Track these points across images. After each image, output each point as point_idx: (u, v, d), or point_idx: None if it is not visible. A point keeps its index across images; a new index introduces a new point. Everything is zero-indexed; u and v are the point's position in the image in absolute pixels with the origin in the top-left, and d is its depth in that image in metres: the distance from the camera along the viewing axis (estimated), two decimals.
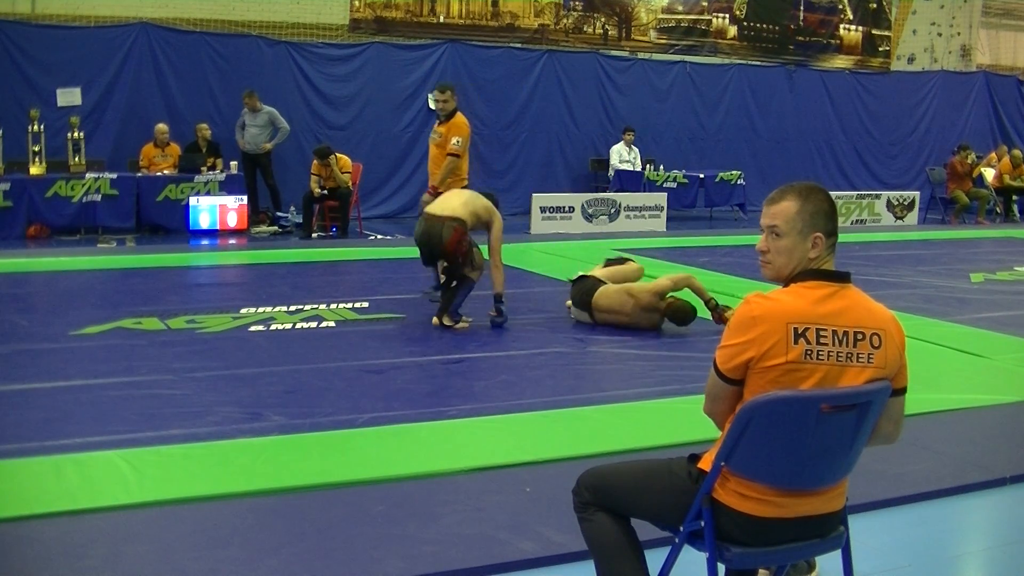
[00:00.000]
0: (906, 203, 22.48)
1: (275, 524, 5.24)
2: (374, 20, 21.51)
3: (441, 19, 22.14)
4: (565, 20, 23.35)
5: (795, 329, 3.44)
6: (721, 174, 22.14)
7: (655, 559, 3.83)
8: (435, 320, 10.16)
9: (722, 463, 3.52)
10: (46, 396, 7.46)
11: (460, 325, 10.06)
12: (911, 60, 28.14)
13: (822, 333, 3.46)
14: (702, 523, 3.57)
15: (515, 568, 4.84)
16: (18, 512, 5.26)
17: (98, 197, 16.61)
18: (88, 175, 16.53)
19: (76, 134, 16.87)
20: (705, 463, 3.64)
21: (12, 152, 16.48)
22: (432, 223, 9.74)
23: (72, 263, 13.64)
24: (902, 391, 3.65)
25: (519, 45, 22.64)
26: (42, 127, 16.62)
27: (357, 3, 21.34)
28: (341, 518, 5.31)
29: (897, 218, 22.27)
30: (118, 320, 9.81)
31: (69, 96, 17.96)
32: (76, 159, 16.87)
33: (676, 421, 6.83)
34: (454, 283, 10.19)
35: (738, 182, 22.13)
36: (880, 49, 27.42)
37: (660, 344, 9.49)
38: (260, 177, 18.42)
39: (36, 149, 16.67)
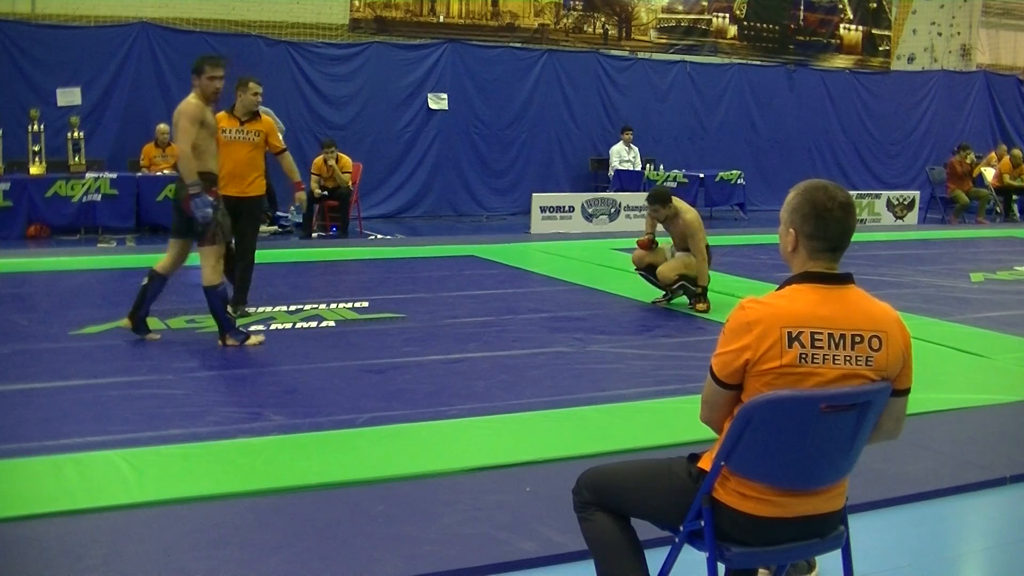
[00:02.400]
0: (906, 203, 22.48)
1: (275, 524, 5.24)
2: (374, 20, 21.51)
3: (441, 19, 22.12)
4: (565, 20, 23.34)
5: (789, 333, 3.43)
6: (721, 174, 22.15)
7: (655, 559, 3.82)
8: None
9: (722, 463, 3.52)
10: (46, 396, 7.46)
11: (252, 342, 9.25)
12: (911, 60, 28.14)
13: (817, 336, 3.45)
14: (702, 523, 3.56)
15: (515, 568, 4.84)
16: (18, 512, 5.26)
17: (98, 197, 16.63)
18: (88, 175, 16.55)
19: (76, 134, 16.88)
20: (705, 463, 3.64)
21: (12, 152, 16.49)
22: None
23: (72, 263, 13.63)
24: (905, 392, 3.64)
25: (519, 45, 22.63)
26: (42, 127, 16.63)
27: (357, 3, 21.34)
28: (341, 518, 5.31)
29: (897, 218, 22.28)
30: (118, 320, 9.79)
31: (69, 96, 17.96)
32: (76, 159, 16.88)
33: (676, 421, 6.84)
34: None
35: (738, 182, 22.14)
36: (880, 49, 27.42)
37: (660, 344, 9.49)
38: None
39: (36, 149, 16.68)
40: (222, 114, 10.21)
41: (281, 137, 18.04)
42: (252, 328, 9.75)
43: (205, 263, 8.93)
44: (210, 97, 9.10)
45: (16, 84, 17.55)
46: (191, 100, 8.97)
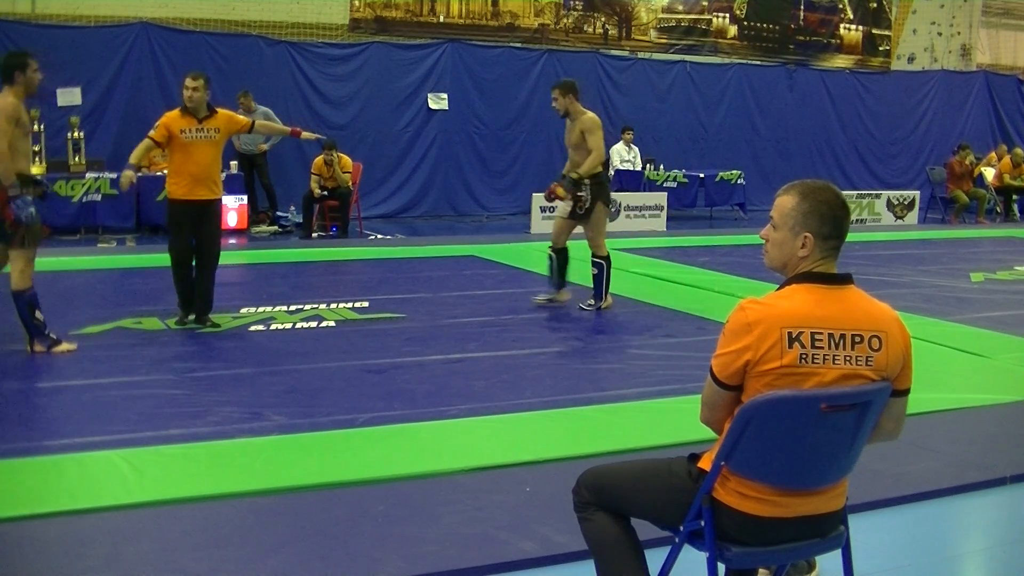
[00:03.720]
0: (906, 203, 22.48)
1: (275, 524, 5.24)
2: (374, 20, 21.50)
3: (441, 19, 22.12)
4: (565, 20, 23.34)
5: (789, 333, 3.43)
6: (721, 173, 22.16)
7: (655, 559, 3.82)
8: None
9: (722, 463, 3.52)
10: (46, 396, 7.49)
11: (60, 348, 8.85)
12: (911, 60, 28.14)
13: (817, 336, 3.45)
14: (702, 523, 3.57)
15: (515, 568, 4.84)
16: (19, 512, 5.26)
17: (98, 197, 16.64)
18: (88, 175, 16.56)
19: (76, 134, 16.90)
20: (705, 463, 3.64)
21: None
22: None
23: (72, 263, 13.63)
24: (905, 392, 3.64)
25: (519, 45, 22.63)
26: (42, 127, 16.63)
27: (357, 3, 21.33)
28: (341, 518, 5.32)
29: (897, 218, 22.28)
30: (118, 320, 9.82)
31: (69, 96, 17.94)
32: (76, 159, 16.90)
33: (676, 421, 6.84)
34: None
35: (738, 182, 22.15)
36: (880, 49, 27.41)
37: (660, 344, 9.49)
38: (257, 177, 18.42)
39: (36, 149, 16.66)
40: (174, 114, 9.86)
41: (278, 139, 18.10)
42: (252, 328, 9.76)
43: (14, 267, 8.62)
44: (33, 92, 8.70)
45: None
46: (9, 98, 8.38)
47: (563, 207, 11.15)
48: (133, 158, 9.83)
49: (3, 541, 4.98)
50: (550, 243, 11.34)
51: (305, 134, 11.17)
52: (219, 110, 10.03)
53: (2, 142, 8.25)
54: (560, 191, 10.96)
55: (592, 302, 10.99)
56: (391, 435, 6.69)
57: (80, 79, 18.11)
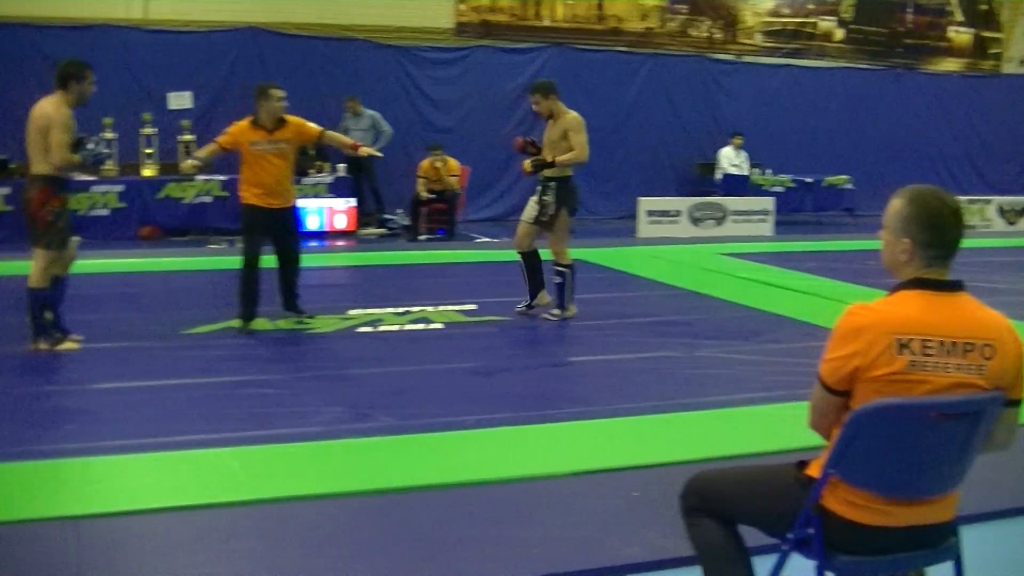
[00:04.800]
0: (1018, 209, 22.10)
1: (381, 524, 5.30)
2: (480, 23, 21.56)
3: (546, 22, 22.12)
4: (670, 23, 23.24)
5: (899, 340, 3.39)
6: (829, 178, 21.91)
7: (762, 566, 3.80)
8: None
9: (831, 470, 3.49)
10: (157, 393, 7.62)
11: (65, 346, 9.01)
12: (1023, 63, 27.62)
13: (928, 344, 3.40)
14: (810, 530, 3.54)
15: (620, 572, 4.84)
16: (133, 507, 5.39)
17: (209, 199, 16.92)
18: (198, 177, 16.72)
19: (187, 137, 17.15)
20: (813, 469, 3.61)
21: (126, 155, 16.77)
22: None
23: (182, 263, 13.88)
24: (1018, 402, 3.58)
25: (624, 48, 22.56)
26: (155, 130, 16.93)
27: (463, 6, 21.41)
28: (446, 519, 5.35)
29: (1009, 223, 21.90)
30: (228, 320, 9.95)
31: (180, 100, 18.23)
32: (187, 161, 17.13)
33: (783, 427, 6.77)
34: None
35: (846, 186, 21.90)
36: (990, 52, 26.93)
37: (767, 350, 9.41)
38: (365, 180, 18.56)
39: (149, 152, 16.99)
40: (244, 125, 9.95)
41: (386, 137, 18.24)
42: (360, 329, 9.85)
43: (36, 265, 8.75)
44: (84, 103, 8.79)
45: (129, 88, 17.78)
46: (63, 108, 8.52)
47: (529, 211, 10.73)
48: (201, 152, 10.21)
49: (118, 536, 5.09)
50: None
51: (363, 149, 11.07)
52: (289, 119, 10.01)
53: (64, 151, 8.46)
54: (527, 166, 10.67)
55: (557, 312, 10.65)
56: (497, 438, 6.73)
57: (191, 83, 18.39)
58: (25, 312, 8.91)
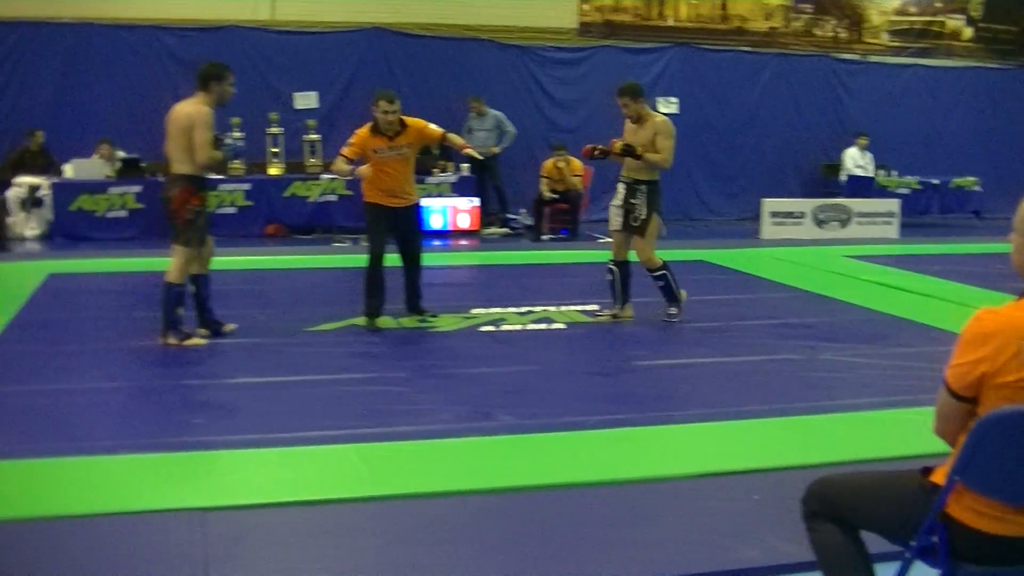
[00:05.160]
0: None
1: (502, 523, 5.33)
2: (603, 23, 21.53)
3: (670, 22, 22.03)
4: (795, 22, 23.01)
5: None
6: (956, 180, 21.52)
7: (884, 573, 3.77)
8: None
9: (956, 477, 3.44)
10: (282, 389, 7.73)
11: (192, 342, 9.20)
12: None
13: None
14: (934, 539, 3.49)
15: None
16: (255, 501, 5.50)
17: (334, 197, 17.09)
18: (324, 176, 16.96)
19: (313, 136, 17.37)
20: (938, 477, 3.56)
21: (253, 154, 17.03)
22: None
23: (308, 261, 14.06)
24: None
25: (748, 48, 22.39)
26: (281, 129, 17.18)
27: (586, 7, 21.40)
28: (567, 519, 5.36)
29: None
30: (352, 317, 10.06)
31: (306, 99, 18.49)
32: (312, 160, 17.38)
33: (908, 432, 6.65)
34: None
35: (974, 188, 21.51)
36: None
37: (892, 354, 9.26)
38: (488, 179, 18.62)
39: (275, 151, 17.25)
40: (364, 132, 10.07)
41: (510, 137, 18.31)
42: (483, 328, 9.90)
43: (175, 261, 8.98)
44: (224, 104, 9.08)
45: (256, 88, 18.00)
46: (204, 108, 8.80)
47: (614, 219, 10.73)
48: (335, 168, 10.36)
49: (239, 527, 5.18)
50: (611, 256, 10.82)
51: (467, 150, 11.28)
52: (409, 123, 10.01)
53: (208, 149, 8.73)
54: (617, 146, 10.67)
55: (673, 310, 10.52)
56: (618, 438, 6.71)
57: (316, 83, 18.63)
58: (159, 306, 9.10)
